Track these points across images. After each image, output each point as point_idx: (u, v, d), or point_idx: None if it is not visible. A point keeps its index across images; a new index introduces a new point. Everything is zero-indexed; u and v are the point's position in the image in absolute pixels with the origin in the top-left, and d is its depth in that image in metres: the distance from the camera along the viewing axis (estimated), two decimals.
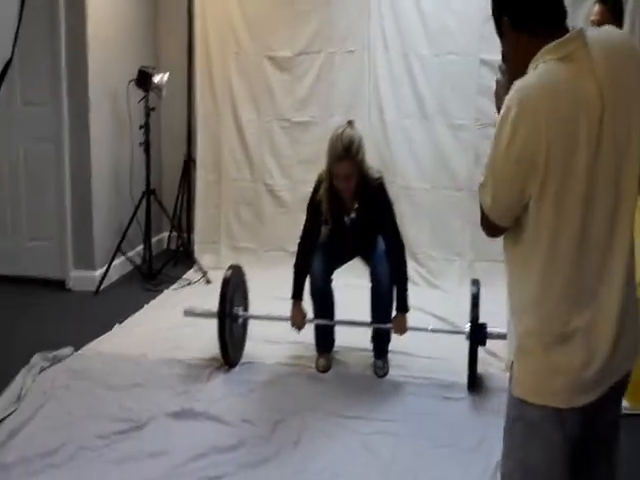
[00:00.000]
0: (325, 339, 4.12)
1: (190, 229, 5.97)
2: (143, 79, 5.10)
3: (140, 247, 5.66)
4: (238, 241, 5.73)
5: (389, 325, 3.93)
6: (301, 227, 5.52)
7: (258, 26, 5.48)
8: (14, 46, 3.60)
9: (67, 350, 4.14)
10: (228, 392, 3.76)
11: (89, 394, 3.70)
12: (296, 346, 4.29)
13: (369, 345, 4.14)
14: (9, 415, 3.46)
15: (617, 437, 2.03)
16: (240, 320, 4.11)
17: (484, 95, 5.21)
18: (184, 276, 5.51)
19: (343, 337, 4.19)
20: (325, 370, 4.02)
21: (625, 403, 3.26)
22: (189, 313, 4.14)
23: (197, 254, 5.64)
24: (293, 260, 5.51)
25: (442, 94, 5.29)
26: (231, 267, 4.08)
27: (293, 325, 3.97)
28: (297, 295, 3.94)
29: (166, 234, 6.05)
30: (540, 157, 1.70)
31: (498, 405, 3.64)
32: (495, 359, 4.14)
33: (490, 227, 1.90)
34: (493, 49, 5.07)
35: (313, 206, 3.83)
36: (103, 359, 4.10)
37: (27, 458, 3.11)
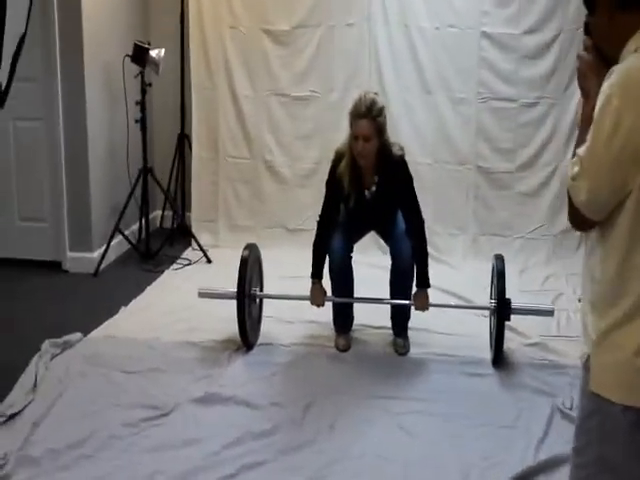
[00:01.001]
0: (345, 318, 4.05)
1: (184, 207, 5.82)
2: (139, 54, 4.91)
3: (135, 226, 5.50)
4: (236, 219, 5.60)
5: (410, 302, 3.87)
6: (300, 203, 5.50)
7: None
8: (27, 20, 3.48)
9: (77, 335, 4.00)
10: (251, 375, 3.67)
11: (106, 380, 3.58)
12: (311, 325, 4.22)
13: (387, 323, 4.07)
14: (27, 406, 3.32)
15: None
16: (257, 300, 4.01)
17: (486, 68, 5.19)
18: (182, 255, 5.37)
19: (360, 316, 4.13)
20: (345, 349, 3.95)
21: None
22: (205, 294, 4.01)
23: (194, 233, 5.49)
24: (294, 237, 5.49)
25: (443, 67, 5.21)
26: (248, 246, 3.97)
27: (313, 304, 3.90)
28: (317, 274, 3.86)
29: (159, 212, 5.89)
30: None
31: (526, 380, 3.66)
32: (516, 334, 4.11)
33: (580, 222, 1.81)
34: (495, 22, 5.14)
35: (332, 183, 3.75)
36: (115, 343, 3.97)
37: (55, 450, 2.98)
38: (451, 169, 5.33)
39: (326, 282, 3.93)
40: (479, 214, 5.36)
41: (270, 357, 3.88)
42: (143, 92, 5.05)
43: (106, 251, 5.06)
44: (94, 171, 5.01)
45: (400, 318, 4.01)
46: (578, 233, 5.23)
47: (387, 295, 3.99)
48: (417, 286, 3.85)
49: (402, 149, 3.74)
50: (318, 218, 3.86)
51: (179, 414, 3.28)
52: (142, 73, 5.01)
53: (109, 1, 5.15)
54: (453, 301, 4.56)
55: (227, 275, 4.92)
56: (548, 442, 3.13)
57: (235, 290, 3.79)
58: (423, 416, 3.31)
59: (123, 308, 4.44)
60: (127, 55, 4.95)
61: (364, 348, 4.00)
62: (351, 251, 3.94)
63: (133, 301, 4.56)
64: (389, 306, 4.03)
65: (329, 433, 3.18)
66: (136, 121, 5.08)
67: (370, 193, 3.76)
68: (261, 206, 5.57)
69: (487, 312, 4.40)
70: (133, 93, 5.09)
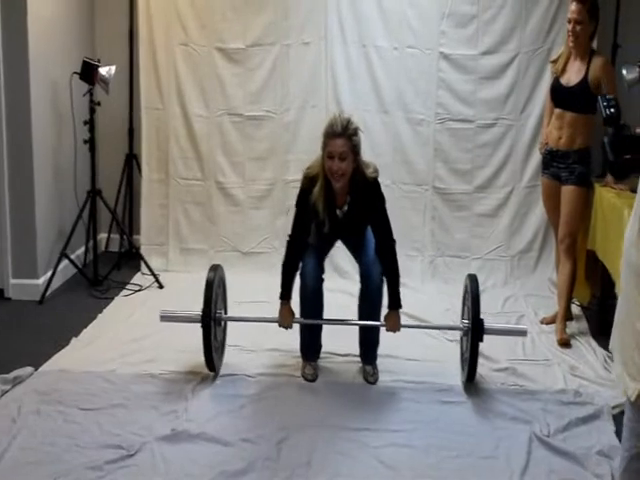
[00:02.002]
0: (312, 345, 3.92)
1: (132, 230, 5.60)
2: (88, 71, 4.70)
3: (81, 250, 5.27)
4: (187, 242, 5.42)
5: (381, 323, 3.79)
6: (255, 226, 5.36)
7: (207, 16, 5.16)
8: None
9: (27, 370, 3.76)
10: (218, 409, 3.49)
11: (64, 419, 3.35)
12: (274, 354, 4.08)
13: (354, 350, 3.96)
14: None
15: None
16: (222, 323, 3.88)
17: (444, 89, 5.15)
18: (132, 280, 5.16)
19: (327, 343, 3.99)
20: (313, 379, 3.82)
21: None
22: (167, 317, 3.84)
23: (144, 256, 5.28)
24: (248, 261, 5.34)
25: (401, 88, 5.15)
26: (213, 267, 3.83)
27: (281, 325, 3.79)
28: (286, 295, 3.77)
29: (104, 235, 5.65)
30: None
31: (500, 407, 3.60)
32: (484, 359, 4.05)
33: None
34: (453, 43, 5.10)
35: (304, 206, 3.65)
36: (69, 378, 3.73)
37: None
38: (409, 190, 5.27)
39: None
40: (437, 235, 5.32)
41: (236, 389, 3.71)
42: (92, 111, 4.84)
43: (52, 277, 4.81)
44: (39, 193, 4.76)
45: (369, 345, 3.91)
46: (535, 254, 5.27)
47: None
48: (389, 307, 3.78)
49: (376, 171, 3.67)
50: (288, 238, 3.77)
51: (146, 454, 3.08)
52: (91, 91, 4.80)
53: (56, 18, 4.93)
54: (415, 323, 4.51)
55: (181, 301, 4.78)
56: (530, 473, 3.06)
57: (199, 313, 3.63)
58: (401, 448, 3.20)
59: (74, 339, 4.20)
60: (75, 72, 4.75)
61: (333, 377, 3.87)
62: (323, 272, 3.86)
63: (84, 331, 4.33)
64: (357, 333, 3.93)
65: (307, 469, 3.03)
66: (85, 141, 4.86)
67: (342, 212, 3.69)
68: (213, 229, 5.40)
69: (452, 335, 4.37)
70: (81, 112, 4.87)
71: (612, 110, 2.11)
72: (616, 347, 2.00)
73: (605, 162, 4.95)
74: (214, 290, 3.70)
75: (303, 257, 3.76)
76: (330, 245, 3.97)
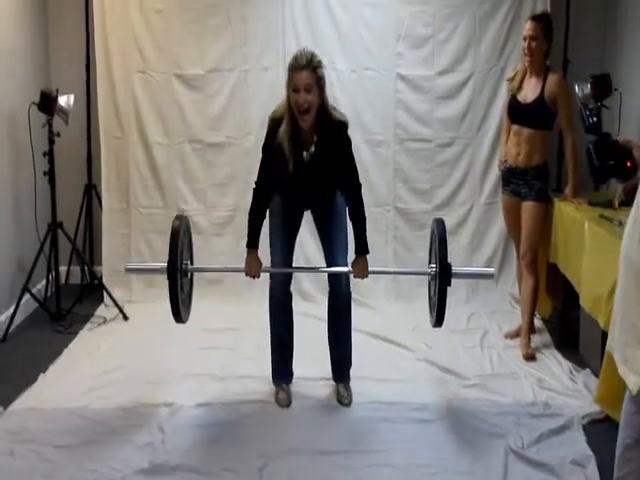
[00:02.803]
0: (284, 367, 3.93)
1: (93, 262, 5.54)
2: (47, 102, 4.66)
3: (41, 284, 5.18)
4: None
5: (348, 269, 3.78)
6: (218, 252, 5.34)
7: (165, 42, 5.16)
8: None
9: None
10: (195, 439, 3.47)
11: (39, 458, 3.28)
12: (245, 381, 4.07)
13: (326, 374, 3.98)
14: None
15: None
16: (189, 275, 3.83)
17: (402, 109, 5.22)
18: (96, 313, 5.09)
19: (297, 369, 4.00)
20: (287, 404, 3.81)
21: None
22: (132, 270, 3.98)
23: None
24: (213, 289, 5.30)
25: (360, 109, 5.21)
26: (178, 217, 3.77)
27: (248, 274, 3.76)
28: (252, 244, 3.73)
29: (64, 268, 5.57)
30: None
31: (473, 423, 3.64)
32: (454, 376, 4.12)
33: None
34: (409, 64, 5.18)
35: (270, 149, 3.61)
36: (40, 415, 3.66)
37: None
38: (370, 211, 5.23)
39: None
40: (399, 254, 5.36)
41: (211, 418, 3.68)
42: (51, 142, 4.79)
43: (15, 313, 4.72)
44: None
45: (341, 361, 3.94)
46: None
47: (325, 341, 3.94)
48: (356, 252, 3.77)
49: (344, 116, 3.67)
50: (254, 185, 3.72)
51: None
52: (50, 122, 4.75)
53: (11, 48, 4.86)
54: (384, 346, 4.57)
55: (147, 332, 4.75)
56: None
57: (164, 264, 3.56)
58: (383, 468, 3.22)
59: (42, 375, 4.12)
60: (34, 103, 4.70)
61: (307, 402, 3.86)
62: (290, 280, 3.90)
63: (51, 366, 4.25)
64: (329, 354, 3.95)
65: None
66: (44, 173, 4.80)
67: (309, 154, 3.63)
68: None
69: (422, 354, 4.42)
70: (40, 143, 4.82)
71: (594, 119, 2.29)
72: (616, 347, 2.06)
73: (559, 177, 5.12)
74: (179, 240, 3.61)
75: (272, 258, 3.80)
76: (297, 222, 3.90)
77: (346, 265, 3.81)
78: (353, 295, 4.53)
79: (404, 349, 4.53)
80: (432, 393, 3.95)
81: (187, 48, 5.17)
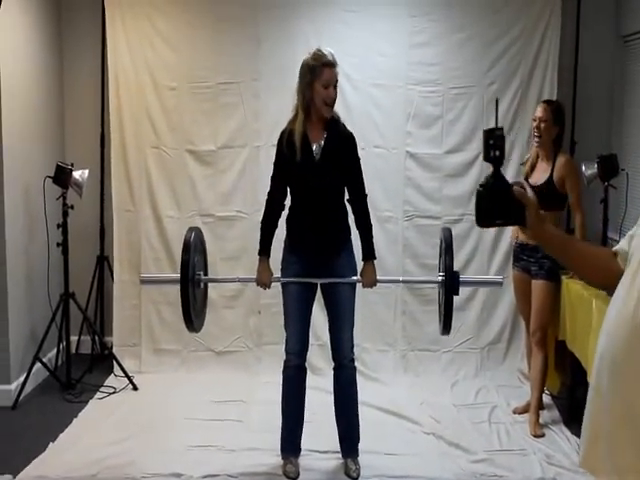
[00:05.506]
0: (293, 440, 3.92)
1: (103, 332, 5.58)
2: (62, 175, 4.79)
3: (52, 353, 5.22)
4: (160, 343, 5.41)
5: (357, 278, 3.85)
6: (227, 325, 5.39)
7: (178, 119, 5.32)
8: None
9: (6, 478, 3.69)
10: None
11: None
12: (253, 453, 4.06)
13: (334, 447, 3.97)
14: None
15: None
16: (202, 285, 3.89)
17: (411, 187, 5.33)
18: (105, 383, 5.11)
19: (305, 441, 3.98)
20: (295, 477, 3.81)
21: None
22: (147, 281, 4.09)
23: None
24: (222, 360, 5.33)
25: (370, 186, 5.20)
26: (191, 229, 3.86)
27: (259, 284, 3.84)
28: (264, 251, 3.84)
29: (75, 338, 5.60)
30: None
31: None
32: (461, 451, 4.10)
33: None
34: (419, 142, 5.30)
35: (281, 156, 3.80)
36: None
37: None
38: (379, 286, 5.33)
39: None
40: (408, 330, 5.39)
41: None
42: (65, 214, 4.89)
43: (25, 382, 4.75)
44: (13, 298, 4.76)
45: (350, 439, 3.93)
46: (504, 345, 5.36)
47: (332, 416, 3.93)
48: (364, 259, 3.85)
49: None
50: (267, 195, 3.89)
51: None
52: (64, 195, 4.87)
53: (28, 123, 5.02)
54: (392, 420, 4.55)
55: (157, 402, 4.75)
56: None
57: (178, 275, 3.65)
58: None
59: (52, 443, 4.13)
60: (48, 176, 4.82)
61: (314, 475, 3.86)
62: (308, 344, 3.93)
63: (61, 435, 4.27)
64: (336, 429, 3.95)
65: None
66: (58, 244, 4.90)
67: (319, 147, 3.75)
68: (186, 329, 5.38)
69: (430, 428, 4.41)
70: (54, 215, 4.93)
71: (497, 153, 1.88)
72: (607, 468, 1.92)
73: None
74: (191, 252, 3.68)
75: (286, 330, 3.85)
76: (311, 299, 3.93)
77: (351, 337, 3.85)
78: (361, 369, 4.60)
79: (412, 423, 4.52)
80: (440, 468, 3.93)
81: (200, 125, 5.32)
